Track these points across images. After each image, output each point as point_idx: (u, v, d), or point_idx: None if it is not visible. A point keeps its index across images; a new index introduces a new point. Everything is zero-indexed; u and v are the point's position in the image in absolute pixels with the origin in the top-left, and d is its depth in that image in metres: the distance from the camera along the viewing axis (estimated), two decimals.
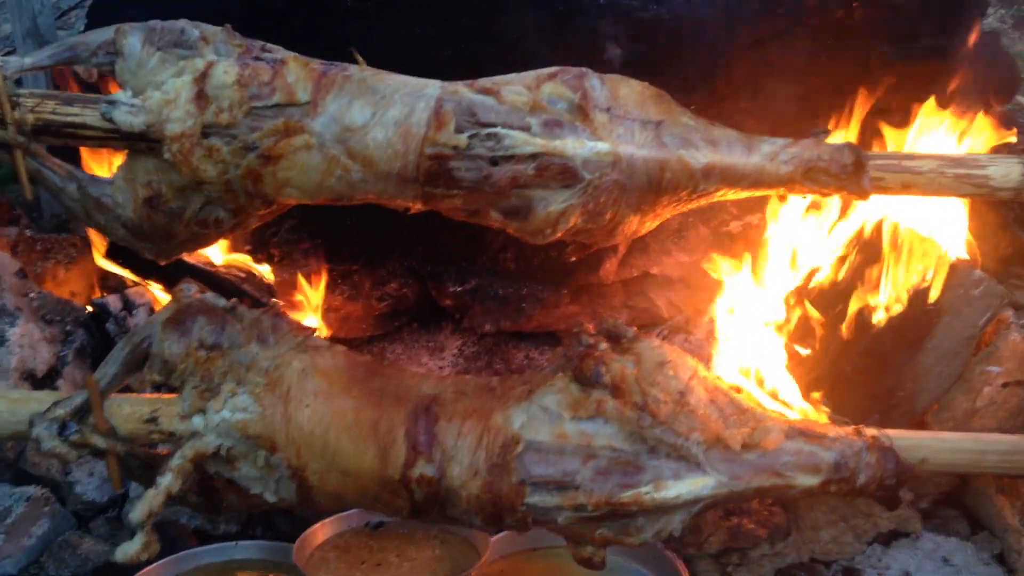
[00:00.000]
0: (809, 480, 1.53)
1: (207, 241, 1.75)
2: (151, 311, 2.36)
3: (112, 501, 2.19)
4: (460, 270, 2.64)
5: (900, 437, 1.68)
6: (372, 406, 1.56)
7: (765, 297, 2.29)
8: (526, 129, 1.52)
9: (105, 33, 1.63)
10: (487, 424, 1.53)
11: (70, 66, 1.67)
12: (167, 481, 1.51)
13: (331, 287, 2.67)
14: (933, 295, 1.94)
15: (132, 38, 1.59)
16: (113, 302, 2.36)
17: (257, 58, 1.58)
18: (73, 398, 1.57)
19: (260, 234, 2.63)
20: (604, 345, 1.56)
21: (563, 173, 1.52)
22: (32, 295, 2.36)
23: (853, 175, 1.58)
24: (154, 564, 1.93)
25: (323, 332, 2.48)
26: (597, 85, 1.56)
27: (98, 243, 2.45)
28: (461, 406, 1.56)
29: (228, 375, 1.56)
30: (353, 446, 1.54)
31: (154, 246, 1.71)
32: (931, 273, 1.96)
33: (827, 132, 1.67)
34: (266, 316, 1.64)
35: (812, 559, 1.91)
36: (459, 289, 2.64)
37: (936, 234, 2.04)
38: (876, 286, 2.02)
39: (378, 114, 1.54)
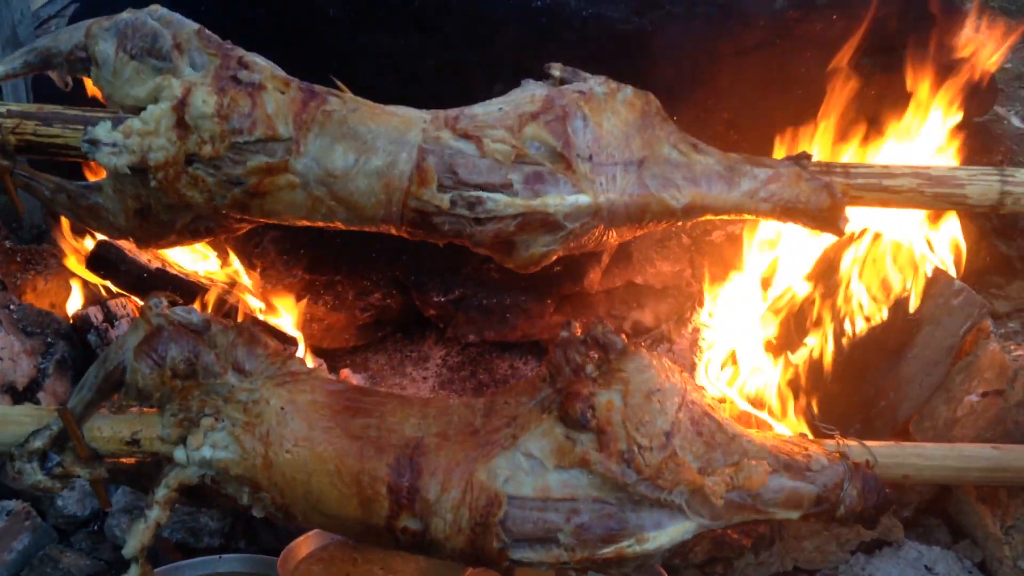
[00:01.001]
0: (790, 515, 1.54)
1: (203, 239, 1.74)
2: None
3: (94, 515, 2.17)
4: (444, 280, 2.63)
5: (882, 449, 1.70)
6: (354, 455, 1.54)
7: (748, 307, 2.30)
8: (508, 187, 1.51)
9: (76, 34, 1.58)
10: (471, 480, 1.52)
11: (42, 72, 1.64)
12: (155, 514, 1.54)
13: (314, 297, 2.66)
14: (913, 305, 1.96)
15: (104, 44, 1.54)
16: (94, 313, 2.34)
17: (234, 78, 1.53)
18: (50, 426, 1.55)
19: (243, 245, 2.62)
20: (591, 367, 1.53)
21: (544, 225, 1.53)
22: (12, 307, 2.34)
23: (829, 217, 1.61)
24: None
25: (303, 349, 2.47)
26: (580, 128, 1.53)
27: (78, 255, 2.43)
28: (444, 456, 1.54)
29: (206, 406, 1.54)
30: (336, 494, 1.54)
31: (152, 245, 1.71)
32: (911, 283, 1.98)
33: (808, 157, 1.68)
34: (240, 341, 1.58)
35: (796, 568, 1.93)
36: (443, 299, 2.64)
37: (916, 244, 2.07)
38: (857, 296, 2.04)
39: (360, 161, 1.52)
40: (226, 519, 2.11)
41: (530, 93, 1.57)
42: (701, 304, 2.52)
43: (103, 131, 1.50)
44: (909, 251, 1.99)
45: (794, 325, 2.11)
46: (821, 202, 1.59)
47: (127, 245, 2.40)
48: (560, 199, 1.50)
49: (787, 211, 1.60)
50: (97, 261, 2.40)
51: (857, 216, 2.08)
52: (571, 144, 1.51)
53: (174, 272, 2.37)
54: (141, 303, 2.41)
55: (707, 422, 1.56)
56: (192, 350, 1.54)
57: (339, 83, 1.61)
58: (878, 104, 2.28)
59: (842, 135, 2.16)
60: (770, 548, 1.90)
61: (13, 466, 1.54)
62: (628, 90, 1.58)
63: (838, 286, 2.05)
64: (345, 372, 2.55)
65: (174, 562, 2.00)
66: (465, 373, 2.70)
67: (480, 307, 2.64)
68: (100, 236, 2.50)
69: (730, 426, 1.59)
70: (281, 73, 1.57)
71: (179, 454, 1.54)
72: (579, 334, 1.59)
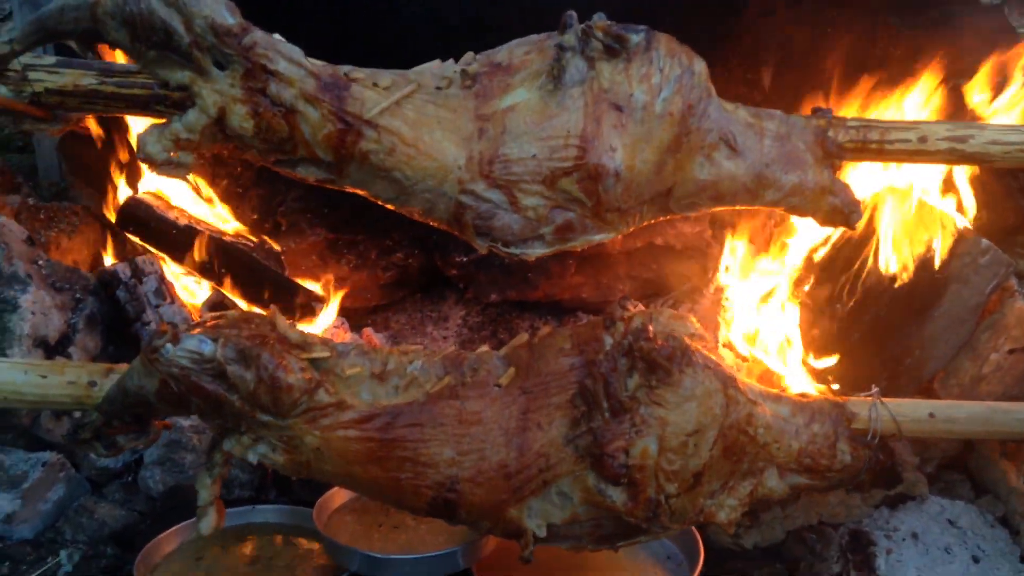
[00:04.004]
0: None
1: None
2: (161, 279, 2.36)
3: (126, 467, 2.20)
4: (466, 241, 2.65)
5: (907, 406, 1.73)
6: (392, 494, 1.61)
7: (772, 266, 2.32)
8: (539, 239, 1.57)
9: (81, 13, 1.49)
10: (502, 516, 1.60)
11: (51, 43, 1.62)
12: (217, 471, 1.59)
13: (337, 256, 2.68)
14: (939, 263, 1.98)
15: (117, 33, 1.48)
16: (123, 270, 2.36)
17: (263, 91, 1.48)
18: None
19: (267, 204, 2.63)
20: (633, 384, 1.54)
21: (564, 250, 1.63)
22: (40, 262, 2.35)
23: (845, 220, 1.68)
24: (173, 528, 1.95)
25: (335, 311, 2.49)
26: (611, 185, 1.54)
27: (111, 211, 2.44)
28: (478, 497, 1.58)
29: (241, 423, 1.55)
30: None
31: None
32: (938, 242, 1.99)
33: (830, 111, 1.69)
34: (262, 389, 1.51)
35: (820, 522, 1.96)
36: (465, 259, 2.65)
37: (942, 203, 2.08)
38: (884, 255, 2.05)
39: (401, 199, 1.58)
40: (257, 472, 2.14)
41: (565, 129, 1.52)
42: (722, 264, 2.53)
43: (154, 149, 1.49)
44: (935, 210, 2.01)
45: (819, 282, 2.13)
46: (837, 210, 1.65)
47: (156, 202, 2.41)
48: (586, 241, 1.59)
49: (804, 215, 1.68)
50: (127, 218, 2.41)
51: (883, 175, 2.10)
52: (602, 203, 1.54)
53: (202, 228, 2.38)
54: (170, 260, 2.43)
55: (742, 441, 1.59)
56: (213, 400, 1.51)
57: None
58: (903, 64, 2.28)
59: (868, 92, 2.16)
60: (795, 502, 1.93)
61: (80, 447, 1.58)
62: (670, 88, 1.54)
63: (864, 244, 2.06)
64: (367, 331, 2.57)
65: None
66: (485, 333, 2.72)
67: (501, 267, 2.65)
68: (127, 192, 2.52)
69: (763, 433, 1.61)
70: (302, 68, 1.50)
71: (227, 445, 1.57)
72: (632, 311, 1.62)
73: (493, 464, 1.56)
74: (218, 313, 1.64)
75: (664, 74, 1.53)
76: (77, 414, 2.13)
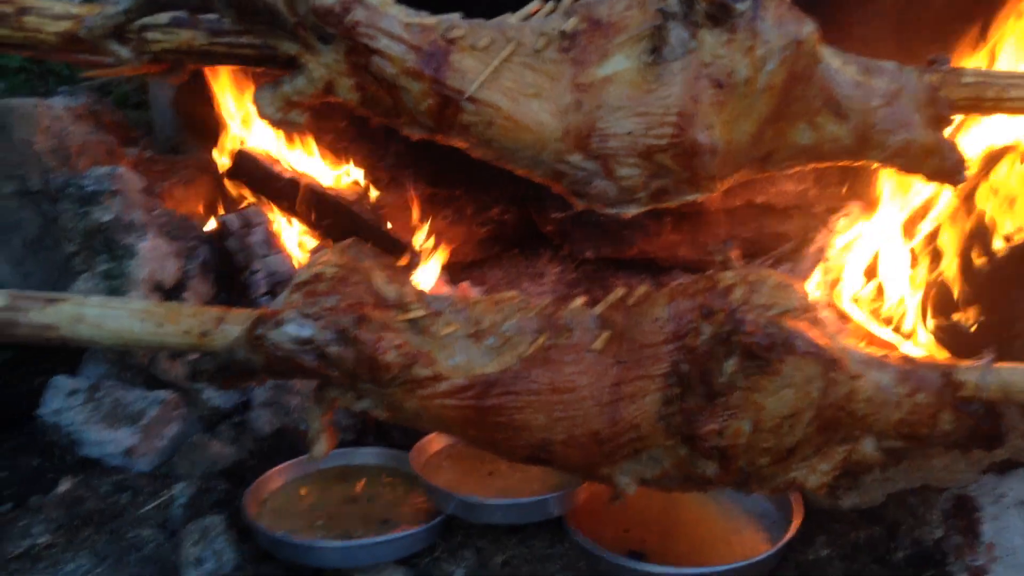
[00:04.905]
0: None
1: None
2: (268, 230, 2.45)
3: (236, 408, 2.31)
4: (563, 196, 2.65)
5: (1012, 368, 1.66)
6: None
7: (878, 225, 2.25)
8: (634, 201, 1.62)
9: None
10: (593, 473, 1.64)
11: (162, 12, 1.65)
12: (324, 407, 1.66)
13: (435, 211, 2.72)
14: None
15: (226, 12, 1.54)
16: (233, 220, 2.45)
17: (367, 68, 1.52)
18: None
19: (369, 158, 2.68)
20: (729, 368, 1.52)
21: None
22: (156, 212, 2.46)
23: (949, 179, 1.63)
24: (279, 466, 2.04)
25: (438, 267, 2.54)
26: (708, 160, 1.54)
27: (220, 164, 2.53)
28: (570, 461, 1.62)
29: (345, 385, 1.62)
30: None
31: None
32: None
33: (947, 61, 1.63)
34: (362, 367, 1.57)
35: (924, 486, 1.91)
36: (561, 215, 2.66)
37: None
38: (996, 215, 1.97)
39: (501, 161, 1.64)
40: (357, 417, 2.21)
41: (662, 105, 1.50)
42: (826, 224, 2.47)
43: (269, 110, 1.55)
44: None
45: (928, 245, 2.06)
46: (943, 168, 1.59)
47: (263, 155, 2.49)
48: (681, 200, 1.59)
49: (908, 173, 1.63)
50: (236, 170, 2.50)
51: (1004, 127, 2.01)
52: (698, 174, 1.53)
53: (307, 181, 2.45)
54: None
55: (839, 416, 1.56)
56: (316, 374, 1.59)
57: None
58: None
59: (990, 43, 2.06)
60: (898, 465, 1.89)
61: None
62: (774, 60, 1.49)
63: (976, 204, 1.98)
64: (464, 285, 2.62)
65: None
66: (580, 289, 2.72)
67: (597, 224, 2.65)
68: (237, 146, 2.61)
69: (863, 407, 1.56)
70: (403, 43, 1.51)
71: (334, 393, 1.63)
72: (734, 272, 1.60)
73: (585, 431, 1.59)
74: (317, 269, 1.67)
75: (769, 46, 1.49)
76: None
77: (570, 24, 1.54)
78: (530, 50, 1.54)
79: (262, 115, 1.53)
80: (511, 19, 1.58)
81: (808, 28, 1.52)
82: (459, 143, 1.60)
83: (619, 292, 1.67)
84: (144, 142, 2.98)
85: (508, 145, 1.55)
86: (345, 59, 1.51)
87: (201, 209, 2.77)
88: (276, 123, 1.53)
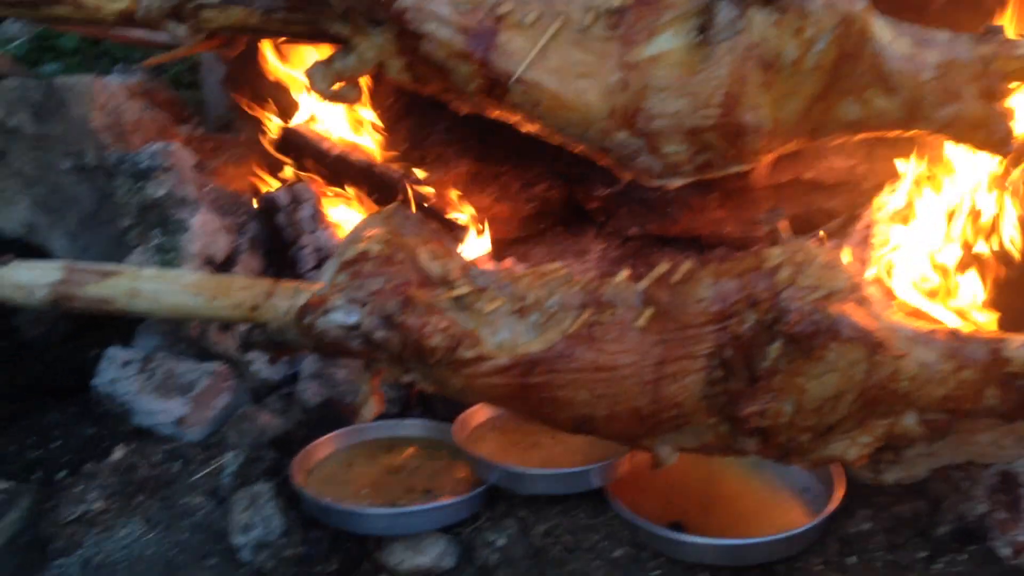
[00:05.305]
0: None
1: None
2: (316, 206, 2.49)
3: (284, 380, 2.36)
4: (608, 172, 2.62)
5: None
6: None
7: (930, 203, 2.22)
8: (679, 174, 1.66)
9: None
10: (636, 444, 1.69)
11: None
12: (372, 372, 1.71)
13: (480, 188, 2.73)
14: None
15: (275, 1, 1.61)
16: (282, 196, 2.49)
17: (416, 51, 1.58)
18: None
19: (415, 135, 2.71)
20: (774, 353, 1.53)
21: None
22: (207, 188, 2.52)
23: (996, 149, 1.62)
24: (326, 436, 2.09)
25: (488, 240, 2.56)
26: (752, 140, 1.57)
27: (269, 137, 2.57)
28: (612, 434, 1.66)
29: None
30: None
31: None
32: None
33: (1001, 30, 1.60)
34: (408, 350, 1.61)
35: (968, 461, 1.89)
36: (606, 191, 2.66)
37: None
38: None
39: (548, 135, 1.70)
40: (403, 390, 2.25)
41: (709, 86, 1.51)
42: (875, 199, 2.44)
43: (321, 85, 1.61)
44: None
45: (978, 217, 2.02)
46: (990, 140, 1.58)
47: (311, 131, 2.53)
48: (726, 171, 1.61)
49: (955, 142, 1.64)
50: (285, 145, 2.54)
51: None
52: (744, 152, 1.56)
53: (355, 157, 2.48)
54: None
55: (882, 395, 1.56)
56: (364, 357, 1.64)
57: None
58: None
59: None
60: (943, 439, 1.87)
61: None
62: (824, 40, 1.48)
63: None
64: (509, 261, 2.63)
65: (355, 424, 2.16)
66: (625, 266, 2.70)
67: (643, 200, 2.64)
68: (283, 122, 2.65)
69: (907, 385, 1.56)
70: (451, 25, 1.53)
71: (380, 364, 1.68)
72: (781, 249, 1.59)
73: (628, 408, 1.61)
74: (363, 246, 1.69)
75: (819, 26, 1.48)
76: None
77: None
78: (578, 26, 1.55)
79: (314, 89, 1.56)
80: None
81: (859, 5, 1.50)
82: (508, 117, 1.62)
83: (663, 267, 1.67)
84: (195, 121, 3.04)
85: (555, 123, 1.58)
86: (395, 41, 1.54)
87: (251, 187, 2.82)
88: (329, 97, 1.56)
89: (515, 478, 1.88)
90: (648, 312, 1.61)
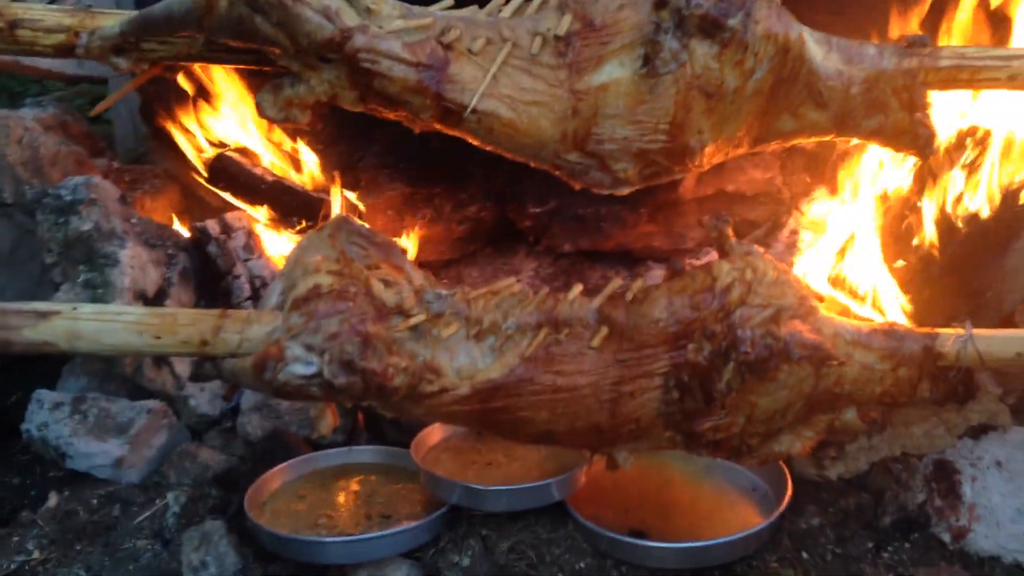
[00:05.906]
0: None
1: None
2: (249, 234, 2.45)
3: (223, 414, 2.30)
4: (540, 190, 2.69)
5: (991, 337, 1.73)
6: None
7: (847, 207, 2.33)
8: (627, 184, 1.68)
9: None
10: (595, 452, 1.78)
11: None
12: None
13: (413, 211, 2.73)
14: (1023, 197, 1.99)
15: (264, 27, 1.52)
16: (212, 226, 2.44)
17: (368, 86, 1.56)
18: None
19: (348, 159, 2.69)
20: (727, 376, 1.60)
21: None
22: (134, 220, 2.44)
23: (918, 153, 1.70)
24: (277, 468, 2.04)
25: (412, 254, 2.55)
26: (697, 158, 1.64)
27: (200, 169, 2.52)
28: (573, 446, 1.74)
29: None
30: None
31: None
32: (1021, 175, 1.99)
33: (926, 40, 1.69)
34: (370, 393, 1.60)
35: (904, 453, 1.99)
36: (539, 210, 2.69)
37: None
38: (965, 189, 2.06)
39: (501, 155, 1.68)
40: (349, 417, 2.22)
41: (655, 116, 1.57)
42: (796, 207, 2.55)
43: (271, 111, 1.57)
44: (1020, 143, 2.00)
45: (900, 220, 2.14)
46: (913, 144, 1.67)
47: (243, 159, 2.49)
48: (669, 179, 1.67)
49: (879, 145, 1.72)
50: (217, 173, 2.49)
51: (967, 107, 2.10)
52: (688, 166, 1.63)
53: (289, 184, 2.45)
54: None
55: (827, 398, 1.64)
56: (327, 399, 1.69)
57: None
58: None
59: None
60: (881, 433, 1.97)
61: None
62: (762, 69, 1.56)
63: (946, 179, 2.07)
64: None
65: (304, 454, 2.13)
66: (558, 284, 2.75)
67: (575, 216, 2.69)
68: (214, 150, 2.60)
69: (849, 387, 1.63)
70: (403, 62, 1.52)
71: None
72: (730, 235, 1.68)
73: (587, 424, 1.65)
74: (312, 280, 1.65)
75: (759, 56, 1.56)
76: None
77: (564, 24, 1.57)
78: (526, 53, 1.57)
79: (263, 116, 1.54)
80: (505, 11, 1.61)
81: (795, 33, 1.58)
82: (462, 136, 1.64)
83: (616, 283, 1.71)
84: (111, 153, 2.95)
85: (509, 147, 1.62)
86: (347, 77, 1.54)
87: (173, 217, 2.75)
88: (278, 123, 1.55)
89: (477, 495, 1.88)
90: (603, 331, 1.64)
